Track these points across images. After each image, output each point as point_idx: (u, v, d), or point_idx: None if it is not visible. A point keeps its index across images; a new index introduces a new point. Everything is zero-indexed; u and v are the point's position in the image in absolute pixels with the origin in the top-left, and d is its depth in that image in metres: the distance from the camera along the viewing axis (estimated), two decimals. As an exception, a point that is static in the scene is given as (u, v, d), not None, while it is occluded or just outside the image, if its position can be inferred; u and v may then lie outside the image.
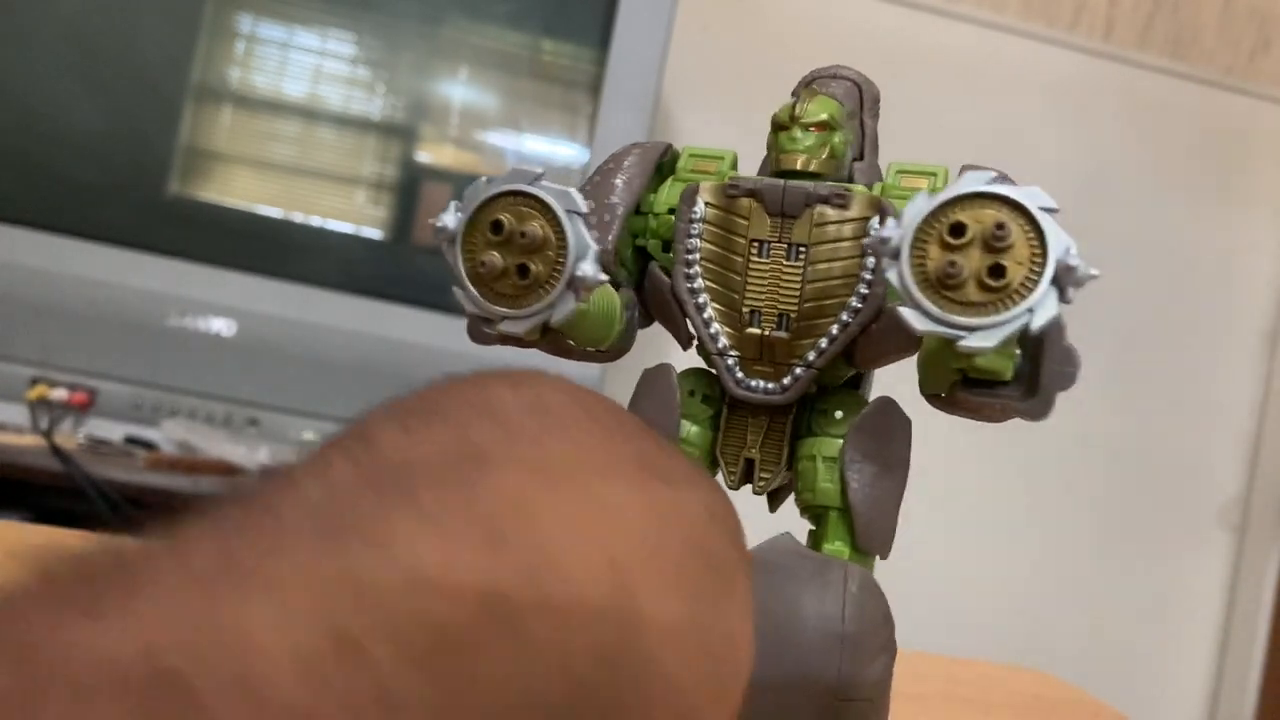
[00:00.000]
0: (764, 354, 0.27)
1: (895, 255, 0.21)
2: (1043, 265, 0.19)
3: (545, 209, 0.23)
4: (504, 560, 0.15)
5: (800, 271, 0.27)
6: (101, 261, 0.99)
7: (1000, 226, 0.20)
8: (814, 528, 0.28)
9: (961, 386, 0.22)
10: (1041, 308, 0.19)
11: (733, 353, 0.27)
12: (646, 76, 1.05)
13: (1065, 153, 1.47)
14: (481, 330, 0.25)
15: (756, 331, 0.27)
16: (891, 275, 0.21)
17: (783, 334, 0.27)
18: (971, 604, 1.44)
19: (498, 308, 0.24)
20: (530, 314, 0.24)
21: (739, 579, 0.19)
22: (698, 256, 0.27)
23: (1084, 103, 1.48)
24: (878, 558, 0.27)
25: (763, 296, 0.27)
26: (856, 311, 0.26)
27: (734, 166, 0.29)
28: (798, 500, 0.28)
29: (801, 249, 0.27)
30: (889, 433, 0.27)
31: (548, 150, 1.16)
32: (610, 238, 0.27)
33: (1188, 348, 1.52)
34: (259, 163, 1.10)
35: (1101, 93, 1.49)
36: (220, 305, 1.01)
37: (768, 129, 0.28)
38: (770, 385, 0.27)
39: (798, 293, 0.27)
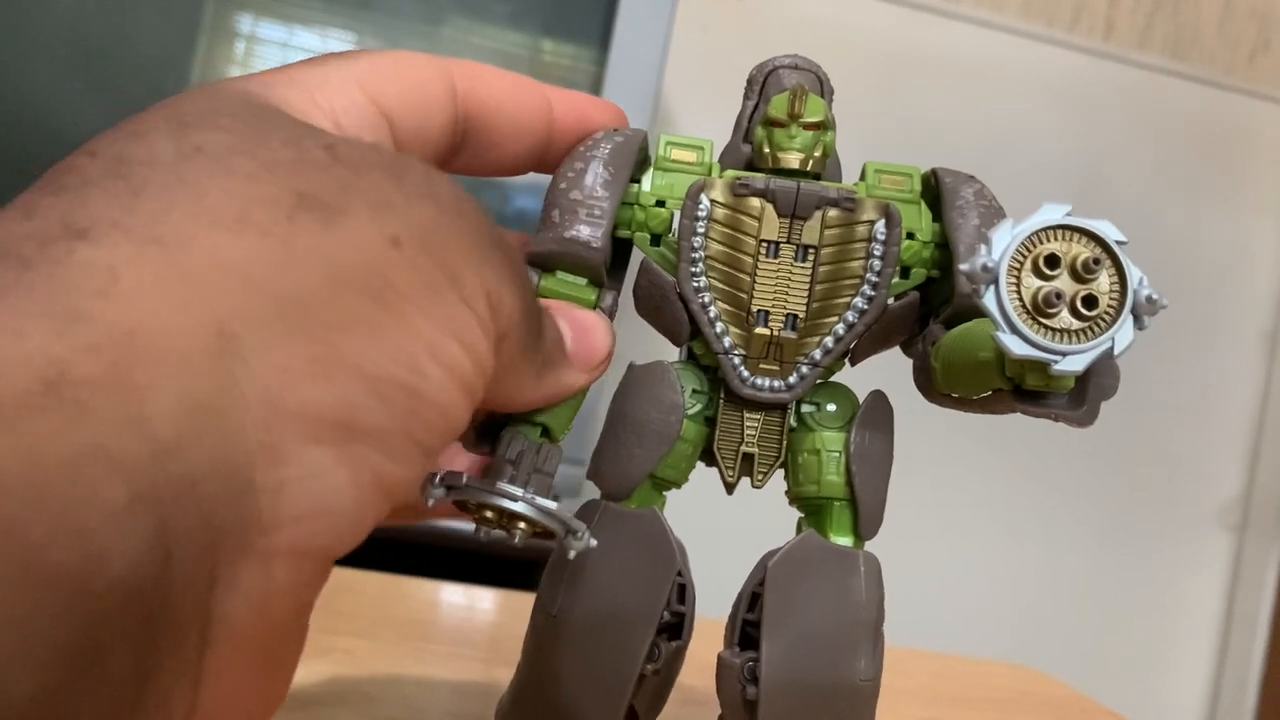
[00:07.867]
0: (770, 353, 0.27)
1: (993, 282, 0.22)
2: (1121, 295, 0.22)
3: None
4: (77, 339, 0.14)
5: (809, 273, 0.27)
6: (102, 260, 1.00)
7: (1097, 261, 0.22)
8: (805, 516, 0.28)
9: (1013, 396, 0.24)
10: (1121, 335, 0.22)
11: (738, 352, 0.27)
12: (646, 76, 1.05)
13: (1065, 153, 1.47)
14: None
15: (766, 332, 0.27)
16: (988, 300, 0.21)
17: (791, 334, 0.27)
18: (970, 603, 1.44)
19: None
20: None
21: (417, 301, 0.18)
22: (703, 255, 0.27)
23: (1084, 103, 1.48)
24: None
25: (770, 297, 0.27)
26: (862, 312, 0.27)
27: (713, 156, 0.29)
28: (794, 491, 0.28)
29: (810, 250, 0.27)
30: (884, 425, 0.28)
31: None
32: (601, 234, 0.27)
33: (1188, 348, 1.52)
34: (259, 162, 1.10)
35: (1101, 93, 1.49)
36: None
37: None
38: (777, 384, 0.27)
39: (806, 294, 0.27)
